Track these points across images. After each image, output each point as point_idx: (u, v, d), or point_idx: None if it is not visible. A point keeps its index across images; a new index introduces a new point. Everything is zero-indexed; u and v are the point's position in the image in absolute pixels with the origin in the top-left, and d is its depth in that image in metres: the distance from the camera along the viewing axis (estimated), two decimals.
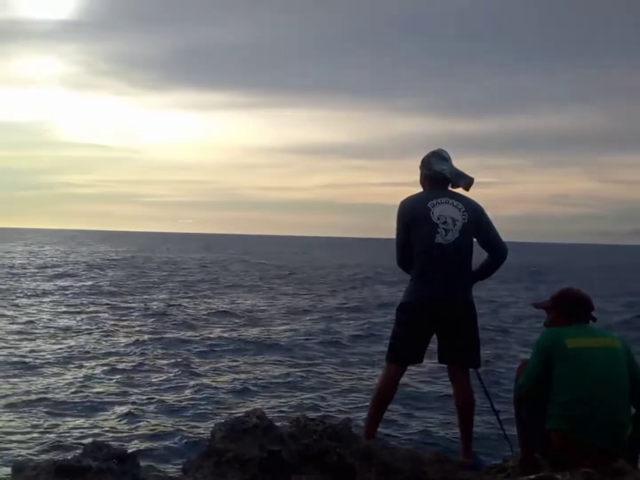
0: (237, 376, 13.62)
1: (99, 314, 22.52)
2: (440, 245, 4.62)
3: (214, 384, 12.87)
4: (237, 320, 22.20)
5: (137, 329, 19.67)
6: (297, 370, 14.44)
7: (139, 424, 10.14)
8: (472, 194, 4.84)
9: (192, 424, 10.23)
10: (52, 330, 18.76)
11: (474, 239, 4.74)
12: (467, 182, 4.80)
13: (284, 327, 20.96)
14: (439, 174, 4.77)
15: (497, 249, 4.83)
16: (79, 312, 22.89)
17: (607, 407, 3.85)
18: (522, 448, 4.25)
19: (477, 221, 4.71)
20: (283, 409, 11.11)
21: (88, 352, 15.69)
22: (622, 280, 49.76)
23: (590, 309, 4.24)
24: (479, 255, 4.84)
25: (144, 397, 11.74)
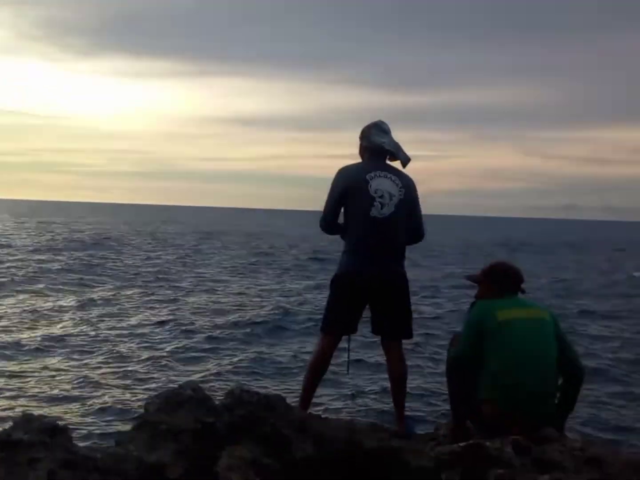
0: (171, 350, 13.53)
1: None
2: (375, 219, 4.64)
3: (147, 357, 12.75)
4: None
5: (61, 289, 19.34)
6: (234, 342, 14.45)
7: (71, 397, 9.99)
8: (408, 167, 4.87)
9: (126, 397, 10.14)
10: None
11: (408, 214, 4.79)
12: (406, 159, 4.82)
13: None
14: (378, 147, 4.78)
15: (418, 230, 4.90)
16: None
17: (535, 377, 3.95)
18: (453, 417, 4.35)
19: (412, 199, 4.76)
20: (218, 381, 11.10)
21: (21, 323, 15.38)
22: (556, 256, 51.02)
23: (520, 281, 4.34)
24: None
25: (75, 370, 11.57)
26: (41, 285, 22.04)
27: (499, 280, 4.29)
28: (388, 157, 4.84)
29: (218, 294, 22.33)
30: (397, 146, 4.81)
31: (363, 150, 4.90)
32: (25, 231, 54.58)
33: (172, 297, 20.80)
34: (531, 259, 42.06)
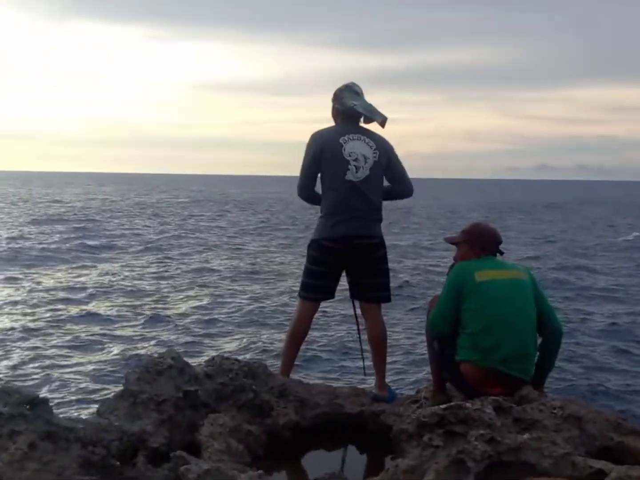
0: (151, 317, 13.52)
1: None
2: (351, 182, 4.62)
3: (126, 326, 12.74)
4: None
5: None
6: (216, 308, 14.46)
7: (49, 368, 9.97)
8: (383, 130, 4.84)
9: (106, 367, 10.13)
10: None
11: (383, 176, 4.78)
12: (383, 119, 4.79)
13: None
14: (351, 109, 4.74)
15: (403, 187, 4.88)
16: None
17: (514, 338, 3.98)
18: (434, 379, 4.37)
19: (387, 159, 4.73)
20: (198, 349, 11.12)
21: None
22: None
23: (498, 242, 4.35)
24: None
25: (54, 342, 11.53)
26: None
27: (478, 242, 4.30)
28: (362, 119, 4.80)
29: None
30: (370, 108, 4.77)
31: (336, 113, 4.86)
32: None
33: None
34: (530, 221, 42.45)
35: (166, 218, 42.96)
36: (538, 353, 4.11)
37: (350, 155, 4.62)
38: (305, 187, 4.87)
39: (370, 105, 4.78)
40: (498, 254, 4.35)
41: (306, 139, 4.82)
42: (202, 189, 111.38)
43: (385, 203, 4.84)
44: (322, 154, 4.68)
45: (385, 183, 4.84)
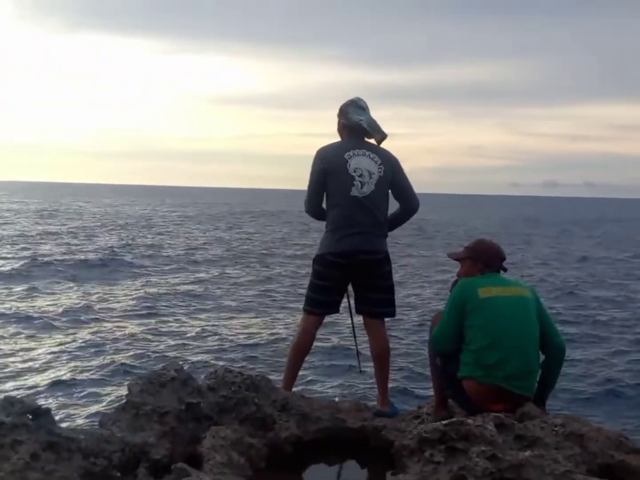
0: (156, 332, 13.52)
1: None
2: (356, 198, 4.64)
3: (131, 339, 12.74)
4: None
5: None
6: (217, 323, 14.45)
7: (53, 379, 9.97)
8: (389, 145, 4.86)
9: (109, 379, 10.13)
10: None
11: (389, 191, 4.79)
12: (381, 137, 4.81)
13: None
14: (356, 124, 4.77)
15: (408, 201, 4.88)
16: None
17: (517, 355, 3.98)
18: (436, 395, 4.37)
19: (392, 173, 4.75)
20: (201, 362, 11.11)
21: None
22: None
23: (502, 259, 4.36)
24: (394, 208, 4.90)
25: (58, 353, 11.54)
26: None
27: (481, 258, 4.31)
28: (366, 135, 4.83)
29: None
30: (374, 124, 4.80)
31: (342, 128, 4.89)
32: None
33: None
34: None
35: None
36: (540, 370, 4.12)
37: (355, 171, 4.64)
38: (312, 203, 4.90)
39: (374, 121, 4.80)
40: (502, 271, 4.36)
41: (310, 152, 4.86)
42: (228, 202, 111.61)
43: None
44: (328, 169, 4.70)
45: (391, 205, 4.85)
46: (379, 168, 4.69)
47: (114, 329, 13.58)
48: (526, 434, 3.38)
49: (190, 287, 19.48)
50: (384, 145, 4.84)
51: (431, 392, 4.50)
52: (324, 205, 4.88)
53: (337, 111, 4.91)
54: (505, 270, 4.38)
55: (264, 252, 31.06)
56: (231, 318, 15.19)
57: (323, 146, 4.85)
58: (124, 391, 3.90)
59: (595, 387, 10.56)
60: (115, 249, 28.88)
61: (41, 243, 31.40)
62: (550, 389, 4.21)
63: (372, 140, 4.84)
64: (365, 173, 4.65)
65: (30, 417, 3.10)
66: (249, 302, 17.35)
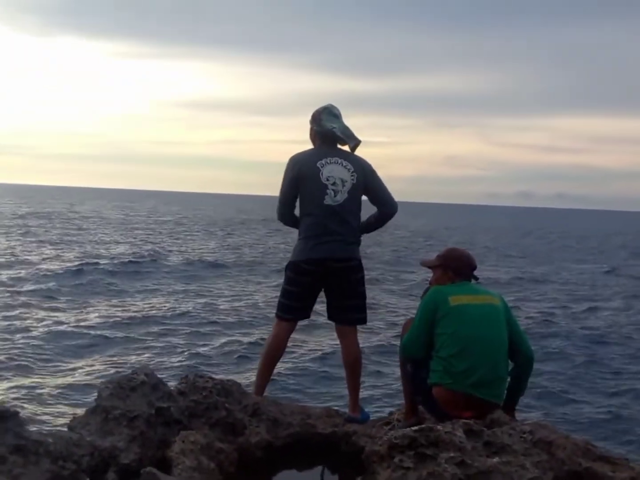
0: (128, 337, 13.43)
1: None
2: (330, 207, 4.65)
3: (102, 341, 12.65)
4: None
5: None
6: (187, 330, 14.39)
7: (21, 381, 9.86)
8: (365, 153, 4.87)
9: (79, 382, 10.04)
10: None
11: (364, 197, 4.81)
12: (355, 144, 4.82)
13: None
14: (329, 132, 4.77)
15: (386, 205, 4.88)
16: None
17: (486, 362, 4.01)
18: (406, 401, 4.39)
19: (365, 181, 4.75)
20: (172, 368, 11.05)
21: None
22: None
23: (472, 268, 4.39)
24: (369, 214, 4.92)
25: (27, 356, 11.41)
26: None
27: (452, 267, 4.34)
28: (339, 141, 4.84)
29: None
30: (347, 132, 4.80)
31: (314, 135, 4.89)
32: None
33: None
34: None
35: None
36: (509, 378, 4.16)
37: (328, 180, 4.65)
38: (284, 211, 4.90)
39: (348, 128, 4.81)
40: (473, 280, 4.40)
41: (283, 159, 4.85)
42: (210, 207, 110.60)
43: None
44: (300, 178, 4.70)
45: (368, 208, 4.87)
46: (352, 176, 4.70)
47: (86, 333, 13.44)
48: (495, 441, 3.41)
49: (163, 298, 19.30)
50: (358, 151, 4.85)
51: (402, 399, 4.52)
52: (297, 212, 4.89)
53: (309, 118, 4.91)
54: (476, 279, 4.42)
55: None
56: (204, 325, 15.12)
57: (295, 154, 4.85)
58: (94, 395, 3.88)
59: (564, 395, 10.67)
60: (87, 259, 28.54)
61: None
62: (518, 397, 4.26)
63: (346, 147, 4.85)
64: (338, 181, 4.66)
65: None
66: (226, 309, 17.27)
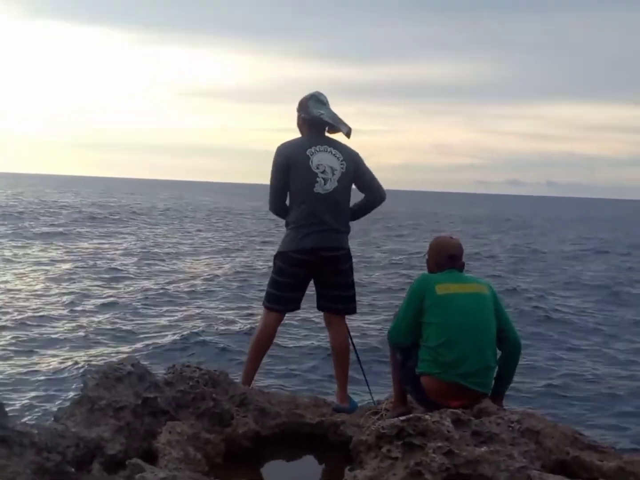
0: (117, 323, 13.38)
1: None
2: (320, 195, 4.63)
3: (87, 331, 12.59)
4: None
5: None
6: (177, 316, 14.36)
7: (5, 372, 9.79)
8: (354, 141, 4.85)
9: (65, 372, 9.98)
10: None
11: (353, 186, 4.79)
12: (348, 130, 4.80)
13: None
14: (317, 119, 4.74)
15: (374, 192, 4.88)
16: None
17: (475, 352, 4.00)
18: (395, 391, 4.38)
19: (354, 169, 4.75)
20: (161, 358, 11.02)
21: None
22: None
23: (450, 256, 4.33)
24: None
25: (10, 344, 11.34)
26: None
27: (434, 258, 4.33)
28: (327, 129, 4.81)
29: None
30: (335, 117, 4.78)
31: (302, 122, 4.86)
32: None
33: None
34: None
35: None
36: (497, 366, 4.15)
37: (317, 168, 4.63)
38: (277, 201, 4.86)
39: (336, 115, 4.79)
40: (460, 268, 4.37)
41: (271, 148, 4.82)
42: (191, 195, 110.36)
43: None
44: (289, 166, 4.67)
45: (356, 194, 4.85)
46: (341, 164, 4.68)
47: (72, 322, 13.38)
48: (483, 430, 3.41)
49: (154, 284, 19.25)
50: (346, 139, 4.83)
51: (391, 388, 4.51)
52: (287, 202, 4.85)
53: (297, 105, 4.87)
54: (463, 266, 4.39)
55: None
56: (191, 312, 15.09)
57: (283, 142, 4.81)
58: (79, 385, 3.84)
59: (551, 384, 10.70)
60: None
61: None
62: (507, 385, 4.25)
63: (337, 135, 4.82)
64: (327, 170, 4.64)
65: None
66: (213, 297, 17.24)
